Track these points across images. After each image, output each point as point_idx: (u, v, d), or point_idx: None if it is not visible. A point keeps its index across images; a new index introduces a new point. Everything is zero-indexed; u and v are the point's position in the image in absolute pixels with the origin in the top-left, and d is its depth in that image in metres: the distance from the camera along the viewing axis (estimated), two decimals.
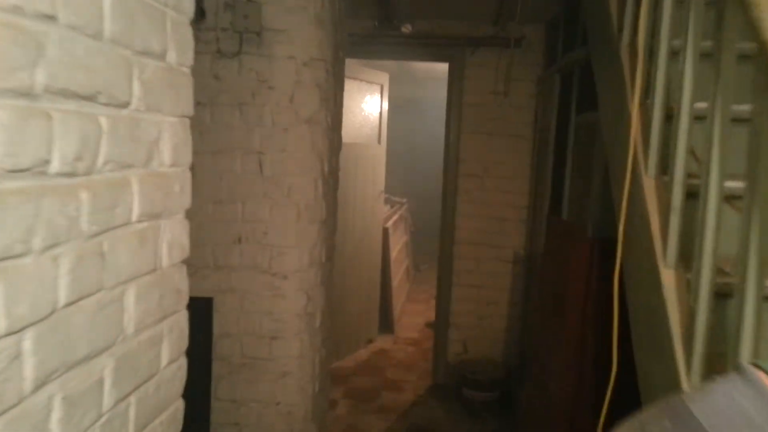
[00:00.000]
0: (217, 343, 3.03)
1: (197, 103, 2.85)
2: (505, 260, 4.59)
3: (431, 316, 6.36)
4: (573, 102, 3.40)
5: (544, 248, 3.19)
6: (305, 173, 2.93)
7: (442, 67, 4.88)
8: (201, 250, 3.02)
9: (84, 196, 0.98)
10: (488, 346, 4.64)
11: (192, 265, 2.73)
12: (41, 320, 0.88)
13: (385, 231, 5.79)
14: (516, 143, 4.55)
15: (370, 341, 5.61)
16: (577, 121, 3.34)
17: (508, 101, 4.54)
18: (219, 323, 3.03)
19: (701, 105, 1.51)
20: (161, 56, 1.22)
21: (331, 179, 3.16)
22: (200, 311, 3.06)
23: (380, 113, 5.56)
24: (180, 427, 1.40)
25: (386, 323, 5.89)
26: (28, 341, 0.86)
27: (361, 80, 5.22)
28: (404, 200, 7.03)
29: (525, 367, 4.11)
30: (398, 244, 6.47)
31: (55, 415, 0.92)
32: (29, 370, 0.86)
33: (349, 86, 4.58)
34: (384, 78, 5.55)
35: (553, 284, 3.10)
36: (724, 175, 1.37)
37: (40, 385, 0.88)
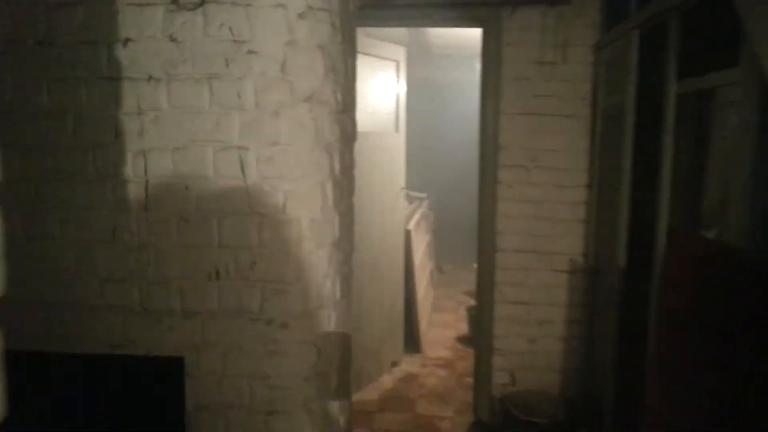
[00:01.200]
0: (192, 420, 2.09)
1: (148, 78, 1.89)
2: (559, 270, 3.62)
3: (462, 328, 5.42)
4: (671, 65, 2.42)
5: (665, 271, 2.22)
6: (308, 175, 1.98)
7: (465, 40, 3.94)
8: (163, 288, 2.08)
9: None
10: (541, 376, 3.69)
11: (151, 310, 1.79)
12: None
13: (408, 233, 4.83)
14: (569, 125, 3.57)
15: (394, 364, 4.67)
16: (679, 90, 2.37)
17: (558, 73, 3.56)
18: (193, 392, 2.10)
19: None
20: None
21: (345, 181, 2.21)
22: (166, 375, 2.12)
23: (397, 96, 4.59)
24: None
25: (412, 341, 4.94)
26: None
27: (373, 56, 4.24)
28: (424, 195, 6.09)
29: (600, 405, 3.15)
30: (421, 246, 5.53)
31: None
32: None
33: (359, 63, 3.63)
34: (400, 53, 4.57)
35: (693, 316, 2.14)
36: None
37: None
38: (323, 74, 1.97)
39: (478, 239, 3.72)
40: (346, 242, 2.22)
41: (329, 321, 2.08)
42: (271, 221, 1.98)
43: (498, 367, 3.72)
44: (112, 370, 2.15)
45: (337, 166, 2.08)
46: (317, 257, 2.01)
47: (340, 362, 2.13)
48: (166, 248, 2.05)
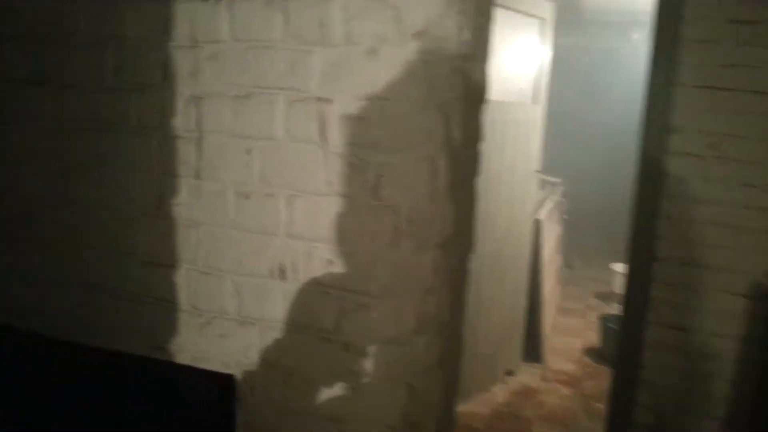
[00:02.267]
0: None
1: None
2: (737, 292, 2.78)
3: (592, 338, 4.62)
4: None
5: None
6: (413, 145, 1.37)
7: (624, 3, 3.12)
8: (215, 282, 1.55)
9: None
10: (698, 425, 2.89)
11: (200, 308, 1.26)
12: None
13: (538, 224, 4.11)
14: (765, 105, 2.70)
15: (510, 373, 4.00)
16: None
17: (760, 35, 2.68)
18: (245, 422, 1.58)
19: None
20: None
21: (467, 157, 1.57)
22: (213, 395, 1.61)
23: (539, 62, 3.84)
24: None
25: (531, 347, 4.24)
26: None
27: (512, 9, 3.52)
28: (559, 180, 5.30)
29: None
30: (551, 239, 4.77)
31: None
32: None
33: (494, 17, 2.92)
34: (547, 9, 3.81)
35: None
36: None
37: None
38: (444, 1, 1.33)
39: (629, 242, 2.95)
40: (461, 241, 1.58)
41: (429, 351, 1.47)
42: (356, 207, 1.38)
43: (641, 404, 2.95)
44: (148, 377, 1.67)
45: (455, 134, 1.44)
46: (418, 262, 1.40)
47: (442, 410, 1.52)
48: (221, 230, 1.52)
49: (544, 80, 3.87)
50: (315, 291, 1.45)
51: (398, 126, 1.34)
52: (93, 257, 1.67)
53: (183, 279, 1.59)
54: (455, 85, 1.40)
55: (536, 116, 3.88)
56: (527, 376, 4.04)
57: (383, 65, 1.32)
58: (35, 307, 1.76)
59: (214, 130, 1.47)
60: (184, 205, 1.55)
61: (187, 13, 1.44)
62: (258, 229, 1.48)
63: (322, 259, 1.43)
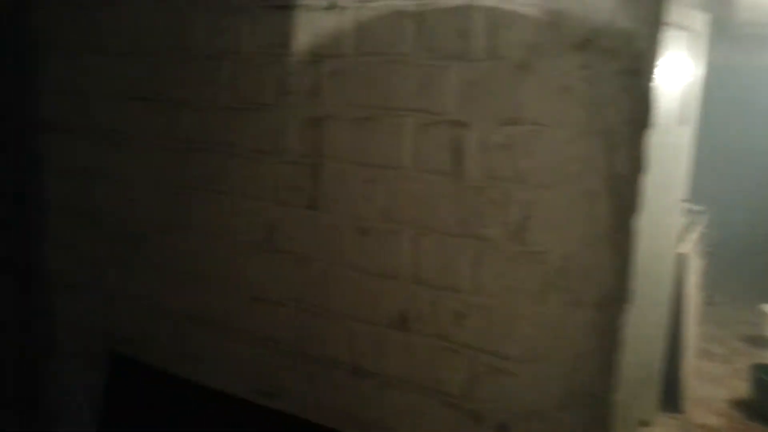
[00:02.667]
0: None
1: (329, 6, 1.17)
2: None
3: (739, 388, 4.06)
4: None
5: None
6: (568, 179, 1.11)
7: None
8: (328, 326, 1.37)
9: None
10: None
11: (311, 354, 1.08)
12: None
13: (682, 258, 3.66)
14: None
15: (644, 424, 3.56)
16: None
17: None
18: None
19: None
20: None
21: (628, 192, 1.28)
22: None
23: (690, 78, 3.42)
24: None
25: (670, 395, 3.78)
26: None
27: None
28: (704, 208, 4.77)
29: None
30: (694, 273, 4.28)
31: None
32: None
33: None
34: (698, 21, 3.40)
35: None
36: None
37: None
38: (616, 2, 1.08)
39: None
40: (619, 295, 1.30)
41: (579, 429, 1.20)
42: (496, 252, 1.15)
43: None
44: (250, 424, 1.51)
45: (619, 166, 1.17)
46: (570, 322, 1.14)
47: None
48: (335, 268, 1.34)
49: (694, 100, 3.45)
50: (441, 347, 1.23)
51: (551, 156, 1.09)
52: (200, 287, 1.54)
53: (292, 319, 1.42)
54: (622, 107, 1.13)
55: (683, 139, 3.46)
56: (665, 428, 3.58)
57: (535, 83, 1.09)
58: (140, 334, 1.67)
59: (332, 156, 1.30)
60: (295, 237, 1.38)
61: (308, 23, 1.28)
62: (377, 270, 1.28)
63: (452, 310, 1.21)
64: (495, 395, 1.18)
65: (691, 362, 4.15)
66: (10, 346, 1.85)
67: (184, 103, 1.48)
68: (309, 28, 1.28)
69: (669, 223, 3.42)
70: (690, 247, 3.91)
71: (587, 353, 1.17)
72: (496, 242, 1.14)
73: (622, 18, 1.08)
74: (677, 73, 3.37)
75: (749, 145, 5.97)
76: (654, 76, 1.30)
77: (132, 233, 1.64)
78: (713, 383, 4.21)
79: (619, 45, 1.09)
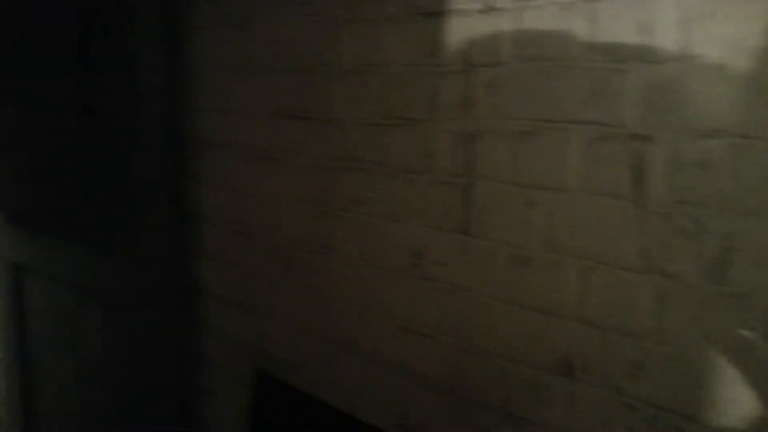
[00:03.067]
0: None
1: (485, 9, 1.05)
2: None
3: None
4: None
5: None
6: None
7: None
8: (480, 364, 1.23)
9: None
10: None
11: (460, 394, 0.96)
12: None
13: None
14: None
15: None
16: None
17: None
18: None
19: None
20: None
21: None
22: None
23: None
24: None
25: None
26: None
27: None
28: None
29: None
30: None
31: None
32: None
33: None
34: None
35: None
36: None
37: None
38: None
39: None
40: None
41: None
42: (687, 292, 0.94)
43: None
44: None
45: None
46: None
47: None
48: (490, 301, 1.19)
49: None
50: (613, 401, 1.04)
51: (761, 175, 0.87)
52: (346, 312, 1.46)
53: (440, 353, 1.29)
54: None
55: None
56: None
57: (736, 86, 0.87)
58: (287, 354, 1.63)
59: (487, 176, 1.15)
60: (445, 264, 1.25)
61: (461, 29, 1.15)
62: (538, 305, 1.12)
63: (627, 358, 1.01)
64: None
65: None
66: (166, 357, 1.90)
67: (332, 120, 1.41)
68: (462, 35, 1.15)
69: None
70: None
71: None
72: (686, 280, 0.94)
73: None
74: None
75: None
76: None
77: (282, 252, 1.60)
78: None
79: None
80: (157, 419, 1.96)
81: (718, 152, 0.90)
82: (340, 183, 1.42)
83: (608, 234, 1.01)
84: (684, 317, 0.95)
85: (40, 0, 2.13)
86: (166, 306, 1.88)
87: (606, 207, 1.01)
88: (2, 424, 2.70)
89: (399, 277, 1.34)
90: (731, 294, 0.90)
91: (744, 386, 0.91)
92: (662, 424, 0.99)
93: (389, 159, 1.32)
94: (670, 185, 0.94)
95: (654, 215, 0.96)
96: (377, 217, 1.36)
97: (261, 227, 1.64)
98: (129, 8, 1.80)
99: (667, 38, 0.92)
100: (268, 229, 1.62)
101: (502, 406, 1.19)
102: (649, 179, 0.96)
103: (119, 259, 2.01)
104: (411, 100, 1.26)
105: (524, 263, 1.12)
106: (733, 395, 0.92)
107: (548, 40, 1.04)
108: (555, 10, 1.03)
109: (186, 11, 1.74)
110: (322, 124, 1.44)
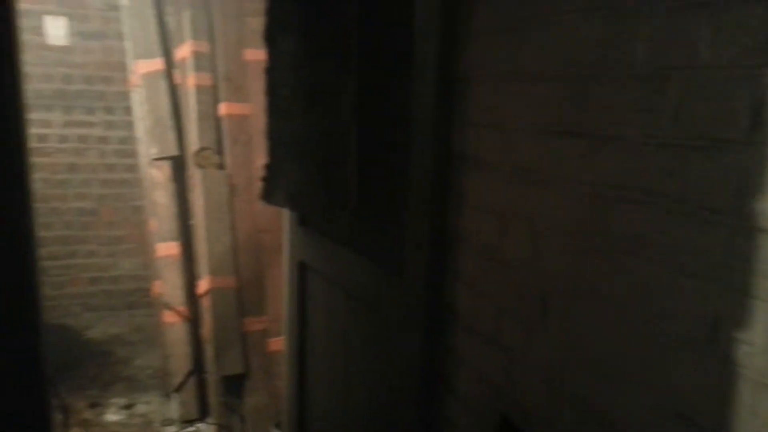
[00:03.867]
0: None
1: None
2: None
3: None
4: None
5: None
6: None
7: None
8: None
9: None
10: None
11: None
12: None
13: None
14: None
15: None
16: None
17: None
18: None
19: None
20: None
21: None
22: None
23: None
24: None
25: None
26: None
27: None
28: None
29: None
30: None
31: None
32: None
33: None
34: None
35: None
36: None
37: None
38: None
39: None
40: None
41: None
42: None
43: None
44: None
45: None
46: None
47: None
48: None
49: None
50: None
51: None
52: (607, 378, 1.16)
53: None
54: None
55: None
56: None
57: None
58: (534, 408, 1.37)
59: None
60: (752, 343, 0.88)
61: None
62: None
63: None
64: None
65: None
66: (417, 380, 1.78)
67: (612, 137, 1.12)
68: None
69: None
70: None
71: None
72: None
73: None
74: None
75: None
76: None
77: (537, 289, 1.35)
78: None
79: None
80: None
81: None
82: (615, 216, 1.12)
83: None
84: None
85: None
86: (424, 326, 1.76)
87: None
88: (291, 416, 2.88)
89: (683, 349, 0.99)
90: None
91: None
92: None
93: (686, 192, 0.98)
94: None
95: None
96: (660, 266, 1.03)
97: (516, 258, 1.40)
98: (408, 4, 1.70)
99: None
100: (523, 261, 1.38)
101: None
102: None
103: (385, 272, 1.97)
104: (724, 114, 0.91)
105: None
106: None
107: None
108: None
109: (464, 14, 1.58)
110: (598, 142, 1.16)
